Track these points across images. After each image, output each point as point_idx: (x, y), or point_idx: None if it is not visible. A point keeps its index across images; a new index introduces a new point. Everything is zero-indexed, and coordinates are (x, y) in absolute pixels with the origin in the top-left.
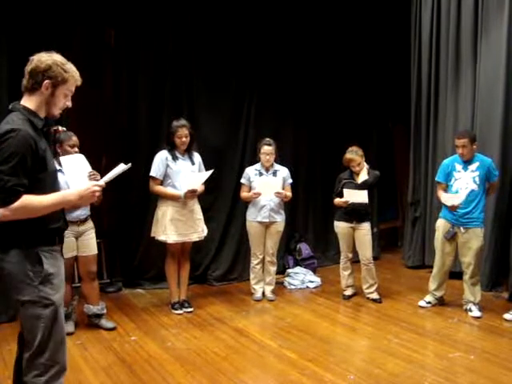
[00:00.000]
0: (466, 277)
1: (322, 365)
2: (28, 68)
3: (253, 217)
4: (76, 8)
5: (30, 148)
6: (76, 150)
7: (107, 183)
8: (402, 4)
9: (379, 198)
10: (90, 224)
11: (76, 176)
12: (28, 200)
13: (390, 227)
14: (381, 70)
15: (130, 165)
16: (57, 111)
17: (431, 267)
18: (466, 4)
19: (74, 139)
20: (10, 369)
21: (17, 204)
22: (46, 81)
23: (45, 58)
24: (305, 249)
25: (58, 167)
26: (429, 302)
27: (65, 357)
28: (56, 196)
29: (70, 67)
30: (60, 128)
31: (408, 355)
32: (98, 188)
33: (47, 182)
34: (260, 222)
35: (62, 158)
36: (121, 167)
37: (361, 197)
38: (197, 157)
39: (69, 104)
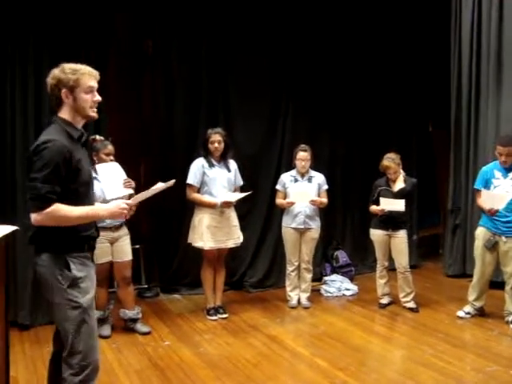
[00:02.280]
0: (508, 287)
1: (353, 374)
2: (48, 89)
3: (288, 223)
4: (115, 19)
5: (63, 158)
6: (111, 158)
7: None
8: (441, 4)
9: (419, 205)
10: (124, 230)
11: (111, 183)
12: (58, 209)
13: (431, 234)
14: (420, 73)
15: (172, 182)
16: (90, 111)
17: (472, 276)
18: (507, 4)
19: (110, 148)
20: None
21: (48, 211)
22: (63, 90)
23: (53, 73)
24: (342, 256)
25: (93, 175)
26: (468, 313)
27: (96, 357)
28: (86, 209)
29: (78, 67)
30: (97, 137)
31: (442, 367)
32: (126, 206)
33: (80, 192)
34: (295, 229)
35: (97, 166)
36: (159, 186)
37: (397, 205)
38: (233, 164)
39: (98, 98)
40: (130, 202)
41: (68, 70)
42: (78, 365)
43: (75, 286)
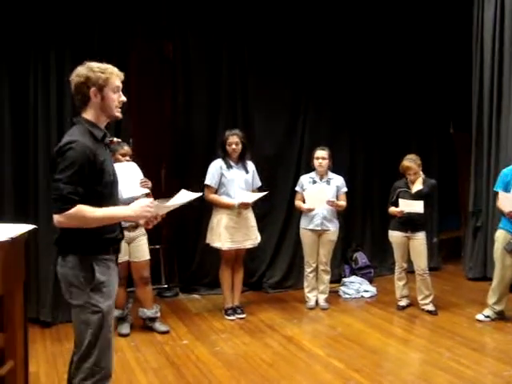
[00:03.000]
0: None
1: (368, 376)
2: (72, 87)
3: (305, 225)
4: (136, 22)
5: (87, 159)
6: (127, 158)
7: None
8: (463, 5)
9: (440, 207)
10: (141, 230)
11: (127, 183)
12: (81, 209)
13: (453, 237)
14: (441, 75)
15: (198, 194)
16: (116, 111)
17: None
18: None
19: (126, 148)
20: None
21: (71, 212)
22: (92, 89)
23: (81, 71)
24: (361, 258)
25: None
26: (487, 316)
27: (110, 364)
28: (109, 210)
29: (106, 66)
30: (115, 139)
31: (460, 371)
32: (151, 205)
33: (105, 193)
34: (312, 230)
35: (115, 165)
36: (184, 195)
37: (416, 207)
38: (250, 165)
39: (123, 99)
40: (155, 202)
41: (97, 68)
42: (89, 369)
43: (98, 290)
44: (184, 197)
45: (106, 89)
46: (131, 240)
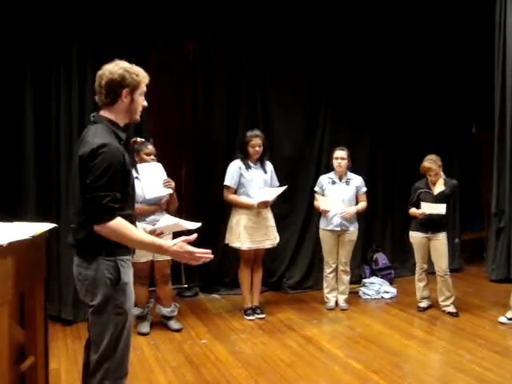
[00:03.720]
0: None
1: (386, 377)
2: (102, 83)
3: (324, 225)
4: (155, 21)
5: (120, 162)
6: (152, 157)
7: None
8: (486, 3)
9: (462, 207)
10: None
11: (151, 183)
12: (123, 225)
13: (475, 238)
14: (463, 73)
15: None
16: (138, 115)
17: None
18: None
19: (150, 148)
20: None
21: (112, 225)
22: (125, 89)
23: (115, 69)
24: (382, 259)
25: (135, 174)
26: (510, 319)
27: (128, 363)
28: (150, 238)
29: (138, 69)
30: (139, 139)
31: (481, 373)
32: (192, 251)
33: (130, 194)
34: (331, 231)
35: (139, 166)
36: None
37: (439, 209)
38: (269, 166)
39: (145, 104)
40: (198, 250)
41: (131, 69)
42: (108, 369)
43: (122, 291)
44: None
45: (137, 92)
46: None
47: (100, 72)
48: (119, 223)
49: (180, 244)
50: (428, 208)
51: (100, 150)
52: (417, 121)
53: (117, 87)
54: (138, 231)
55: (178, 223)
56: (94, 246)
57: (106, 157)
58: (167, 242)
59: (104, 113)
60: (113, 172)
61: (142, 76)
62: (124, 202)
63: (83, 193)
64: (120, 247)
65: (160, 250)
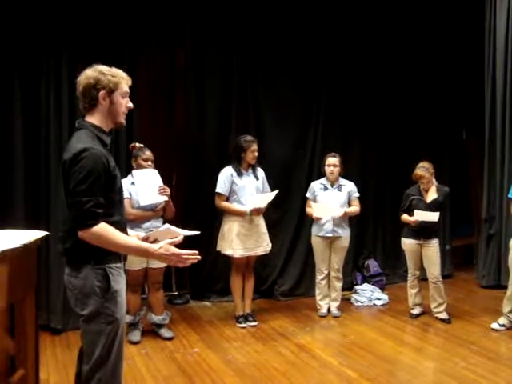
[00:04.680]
0: None
1: None
2: (80, 89)
3: (316, 232)
4: (146, 29)
5: (103, 166)
6: (149, 163)
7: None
8: (475, 9)
9: (452, 214)
10: None
11: (146, 190)
12: (106, 230)
13: (466, 244)
14: (453, 80)
15: (196, 233)
16: (122, 117)
17: (507, 287)
18: None
19: (148, 153)
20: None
21: (95, 230)
22: (101, 92)
23: (90, 73)
24: (373, 266)
25: (131, 180)
26: (503, 325)
27: (121, 374)
28: (135, 242)
29: (116, 71)
30: (137, 144)
31: (475, 380)
32: (178, 253)
33: (115, 199)
34: (323, 237)
35: (134, 172)
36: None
37: (432, 217)
38: (260, 172)
39: (130, 105)
40: (178, 251)
41: (107, 71)
42: (100, 379)
43: (112, 299)
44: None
45: (116, 93)
46: None
47: (78, 78)
48: (103, 228)
49: (166, 246)
50: (421, 216)
51: (82, 155)
52: (408, 127)
53: (93, 91)
54: (124, 236)
55: (176, 231)
56: (82, 254)
57: (87, 161)
58: (153, 245)
59: (88, 118)
60: (95, 176)
61: (119, 77)
62: (110, 207)
63: (67, 198)
64: (109, 255)
65: (146, 253)
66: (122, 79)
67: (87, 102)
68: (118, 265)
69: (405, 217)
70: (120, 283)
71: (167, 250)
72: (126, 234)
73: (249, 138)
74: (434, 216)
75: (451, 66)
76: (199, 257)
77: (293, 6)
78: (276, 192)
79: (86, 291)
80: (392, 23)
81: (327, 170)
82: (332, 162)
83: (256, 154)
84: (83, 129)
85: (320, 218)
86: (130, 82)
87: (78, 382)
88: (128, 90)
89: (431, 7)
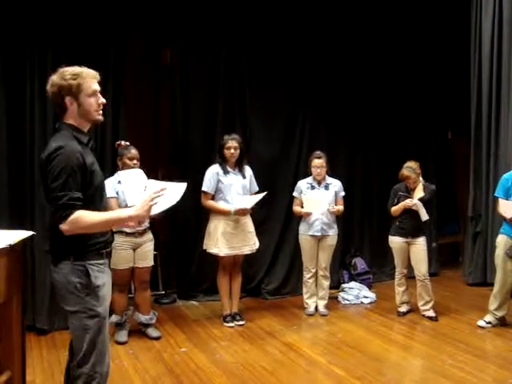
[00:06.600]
0: None
1: (370, 383)
2: (49, 97)
3: (305, 230)
4: (132, 28)
5: (77, 162)
6: (135, 162)
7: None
8: (461, 10)
9: (439, 212)
10: (148, 236)
11: (133, 190)
12: (82, 215)
13: (451, 242)
14: (439, 78)
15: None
16: (96, 115)
17: (493, 285)
18: None
19: (133, 152)
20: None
21: (71, 219)
22: (66, 98)
23: (54, 80)
24: (360, 264)
25: (118, 179)
26: (489, 322)
27: (106, 368)
28: (109, 213)
29: (80, 71)
30: (122, 142)
31: (462, 377)
32: (149, 199)
33: (95, 196)
34: (312, 236)
35: (120, 172)
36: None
37: (421, 216)
38: (248, 170)
39: (102, 101)
40: (151, 195)
41: (68, 75)
42: (86, 374)
43: (93, 294)
44: (173, 193)
45: (81, 95)
46: (138, 246)
47: (47, 86)
48: (79, 213)
49: (139, 204)
50: (420, 207)
51: (56, 153)
52: (394, 127)
53: (59, 98)
54: (101, 213)
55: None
56: (62, 250)
57: (62, 158)
58: (128, 209)
59: (65, 119)
60: (69, 172)
61: (82, 77)
62: (90, 203)
63: (47, 196)
64: (89, 252)
65: (129, 218)
66: (85, 79)
67: (58, 108)
68: (100, 261)
69: (394, 208)
70: (102, 278)
71: (141, 204)
72: (112, 230)
73: (228, 135)
74: (422, 215)
75: (437, 67)
76: (165, 188)
77: (280, 7)
78: (264, 194)
79: (66, 287)
80: (378, 24)
81: (314, 171)
82: (319, 163)
83: (232, 151)
84: (62, 130)
85: (310, 214)
86: (98, 77)
87: (67, 376)
88: (96, 88)
89: (417, 8)
